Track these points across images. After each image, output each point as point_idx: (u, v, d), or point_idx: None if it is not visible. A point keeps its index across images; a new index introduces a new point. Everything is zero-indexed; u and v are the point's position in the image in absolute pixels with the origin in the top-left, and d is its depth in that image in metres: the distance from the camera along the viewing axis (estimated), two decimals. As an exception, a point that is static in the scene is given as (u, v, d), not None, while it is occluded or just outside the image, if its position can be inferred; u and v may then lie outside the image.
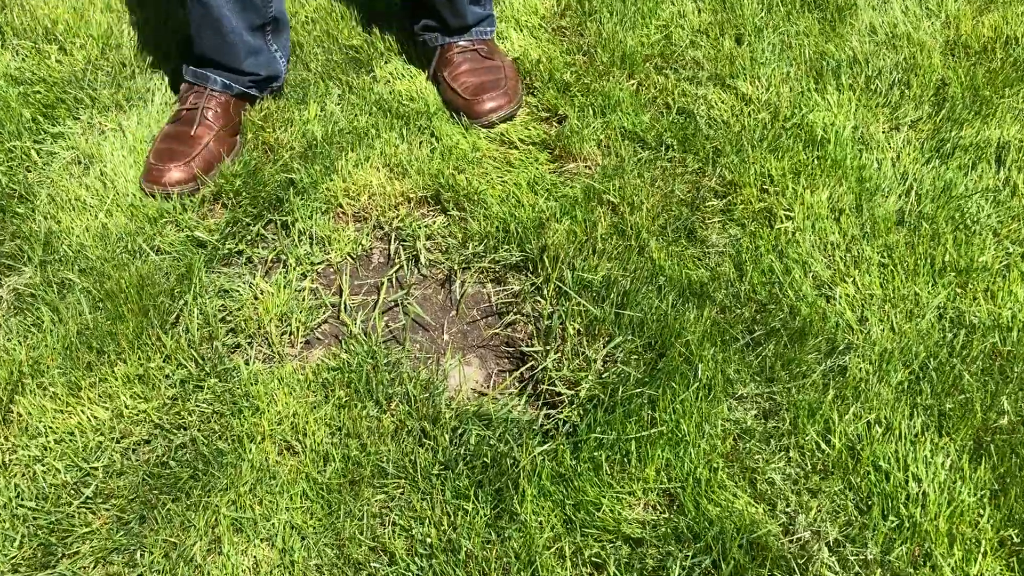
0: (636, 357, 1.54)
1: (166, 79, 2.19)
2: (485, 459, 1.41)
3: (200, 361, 1.57)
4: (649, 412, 1.45)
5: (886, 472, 1.36)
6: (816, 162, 1.87)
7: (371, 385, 1.53)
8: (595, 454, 1.40)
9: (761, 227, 1.76)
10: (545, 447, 1.43)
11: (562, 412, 1.50)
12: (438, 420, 1.47)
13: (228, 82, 2.00)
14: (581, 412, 1.49)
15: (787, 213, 1.78)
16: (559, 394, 1.53)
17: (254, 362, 1.60)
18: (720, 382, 1.48)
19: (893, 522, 1.30)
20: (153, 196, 1.87)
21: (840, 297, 1.62)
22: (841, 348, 1.53)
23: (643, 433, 1.41)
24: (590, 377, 1.52)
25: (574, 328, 1.59)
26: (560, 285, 1.64)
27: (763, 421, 1.45)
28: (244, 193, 1.86)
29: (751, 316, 1.60)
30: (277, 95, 2.13)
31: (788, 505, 1.35)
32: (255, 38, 1.99)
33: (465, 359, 1.66)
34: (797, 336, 1.55)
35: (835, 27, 2.26)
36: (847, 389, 1.47)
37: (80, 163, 1.97)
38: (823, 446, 1.41)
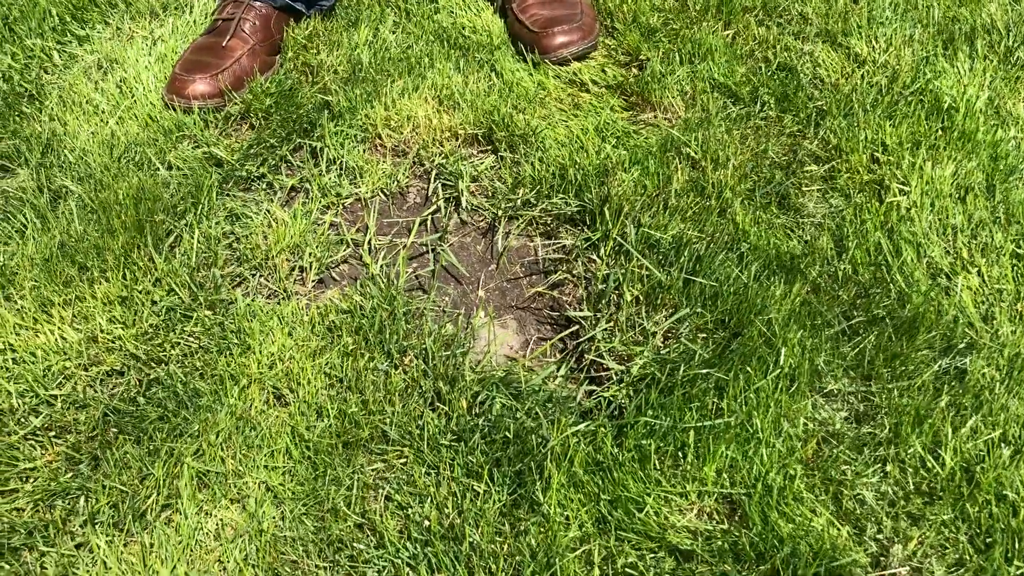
0: (704, 334, 1.27)
1: (210, -9, 1.99)
2: (507, 434, 1.15)
3: (194, 289, 1.35)
4: (715, 400, 1.18)
5: (1013, 504, 1.06)
6: (940, 133, 1.57)
7: (384, 334, 1.28)
8: (643, 443, 1.14)
9: (869, 199, 1.47)
10: (582, 427, 1.17)
11: (608, 390, 1.24)
12: (457, 383, 1.22)
13: (271, -10, 1.79)
14: (631, 392, 1.22)
15: (901, 187, 1.48)
16: (607, 369, 1.27)
17: (256, 297, 1.37)
18: (806, 372, 1.20)
19: (1021, 569, 1.01)
20: (173, 108, 1.66)
21: (961, 288, 1.33)
22: (960, 347, 1.24)
23: (705, 424, 1.14)
24: (646, 352, 1.25)
25: (632, 294, 1.33)
26: (621, 242, 1.38)
27: (855, 425, 1.17)
28: (275, 114, 1.64)
29: (850, 300, 1.31)
30: (327, 16, 1.91)
31: (881, 531, 1.07)
32: None
33: (500, 319, 1.41)
34: (905, 328, 1.26)
35: (970, -9, 1.95)
36: (965, 397, 1.18)
37: (101, 67, 1.77)
38: (930, 463, 1.12)
